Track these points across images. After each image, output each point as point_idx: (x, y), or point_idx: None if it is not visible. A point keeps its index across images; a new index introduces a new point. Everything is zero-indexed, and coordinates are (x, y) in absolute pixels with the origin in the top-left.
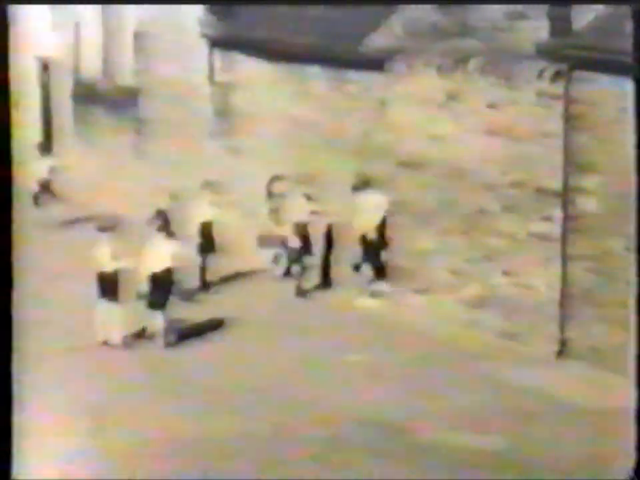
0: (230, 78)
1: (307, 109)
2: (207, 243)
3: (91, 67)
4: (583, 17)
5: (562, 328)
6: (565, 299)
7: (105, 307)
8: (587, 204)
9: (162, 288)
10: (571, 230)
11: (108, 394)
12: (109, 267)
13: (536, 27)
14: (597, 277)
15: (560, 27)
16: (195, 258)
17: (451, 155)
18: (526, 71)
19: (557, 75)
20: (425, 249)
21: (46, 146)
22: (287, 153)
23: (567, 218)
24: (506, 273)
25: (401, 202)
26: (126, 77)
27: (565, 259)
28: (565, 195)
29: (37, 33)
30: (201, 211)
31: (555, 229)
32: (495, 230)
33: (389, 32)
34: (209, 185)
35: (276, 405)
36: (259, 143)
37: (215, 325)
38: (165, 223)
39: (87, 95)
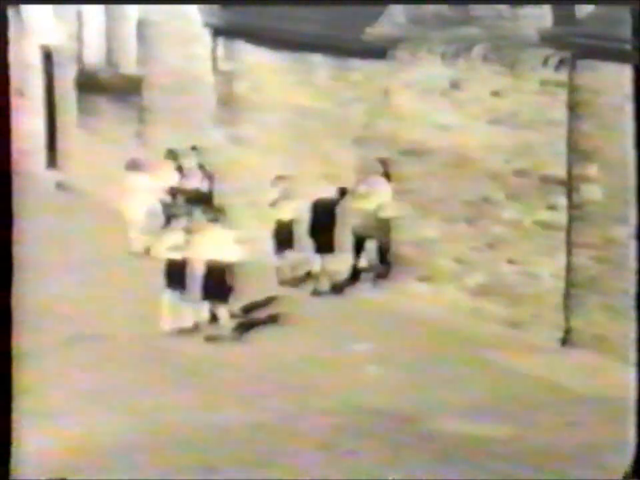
0: (233, 67)
1: (311, 98)
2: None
3: (94, 55)
4: (587, 5)
5: (566, 316)
6: (570, 287)
7: (170, 297)
8: (592, 192)
9: (218, 279)
10: (576, 218)
11: (113, 384)
12: (170, 255)
13: (539, 15)
14: (601, 265)
15: (563, 14)
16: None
17: (454, 143)
18: (530, 59)
19: (561, 63)
20: (429, 237)
21: (49, 135)
22: (291, 141)
23: (571, 206)
24: (510, 262)
25: (405, 190)
26: (129, 65)
27: (569, 247)
28: (569, 183)
29: (40, 22)
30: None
31: (559, 217)
32: (499, 218)
33: (392, 20)
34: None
35: (282, 394)
36: (263, 132)
37: (271, 320)
38: (224, 211)
39: (90, 84)
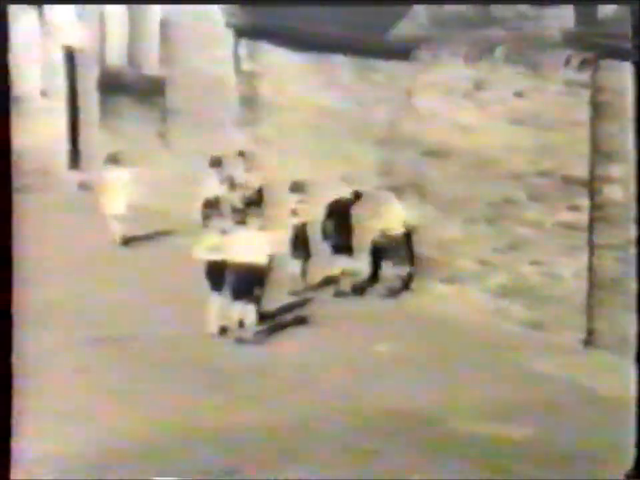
0: (256, 67)
1: (333, 98)
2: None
3: (117, 56)
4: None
5: (589, 317)
6: (592, 288)
7: (215, 298)
8: (614, 192)
9: (249, 280)
10: (598, 219)
11: (135, 384)
12: (208, 257)
13: (562, 15)
14: (624, 265)
15: (586, 14)
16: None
17: (477, 144)
18: (553, 60)
19: (583, 63)
20: (452, 238)
21: (72, 135)
22: (313, 142)
23: (593, 207)
24: (533, 262)
25: (427, 191)
26: (152, 66)
27: (592, 247)
28: (592, 184)
29: (63, 23)
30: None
31: (581, 217)
32: (521, 219)
33: (414, 21)
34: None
35: (305, 395)
36: (285, 132)
37: (299, 322)
38: (258, 213)
39: (113, 85)
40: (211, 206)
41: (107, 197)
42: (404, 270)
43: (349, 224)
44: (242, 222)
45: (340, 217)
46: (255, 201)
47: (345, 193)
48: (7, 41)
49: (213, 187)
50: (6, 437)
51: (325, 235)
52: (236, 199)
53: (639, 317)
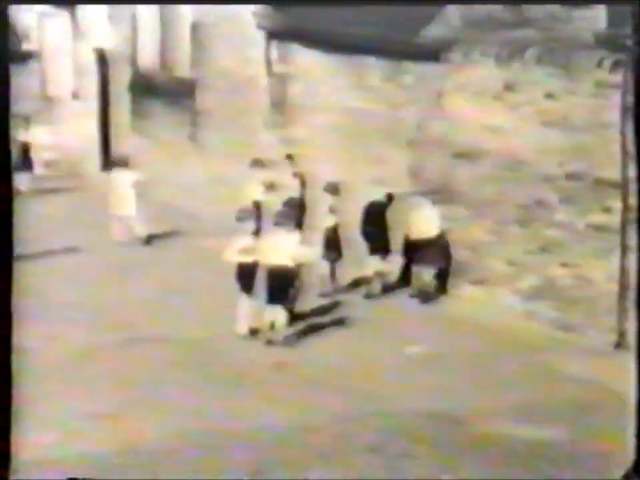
0: (287, 69)
1: (363, 100)
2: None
3: (148, 58)
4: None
5: (620, 319)
6: (624, 290)
7: (245, 301)
8: None
9: (282, 283)
10: (630, 221)
11: (170, 386)
12: (239, 259)
13: (594, 17)
14: None
15: (618, 15)
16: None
17: (507, 146)
18: (584, 61)
19: (615, 65)
20: (482, 240)
21: (104, 137)
22: (343, 144)
23: (625, 209)
24: (564, 265)
25: (457, 193)
26: (183, 68)
27: (623, 250)
28: (624, 186)
29: (94, 25)
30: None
31: (613, 219)
32: (552, 221)
33: (445, 22)
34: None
35: (335, 397)
36: (316, 134)
37: (336, 323)
38: (292, 215)
39: (144, 87)
40: (250, 208)
41: (115, 197)
42: (437, 273)
43: (385, 226)
44: (279, 224)
45: (377, 218)
46: (297, 204)
47: (378, 194)
48: (7, 41)
49: (252, 189)
50: (6, 438)
51: (367, 237)
52: (276, 201)
53: (639, 317)
